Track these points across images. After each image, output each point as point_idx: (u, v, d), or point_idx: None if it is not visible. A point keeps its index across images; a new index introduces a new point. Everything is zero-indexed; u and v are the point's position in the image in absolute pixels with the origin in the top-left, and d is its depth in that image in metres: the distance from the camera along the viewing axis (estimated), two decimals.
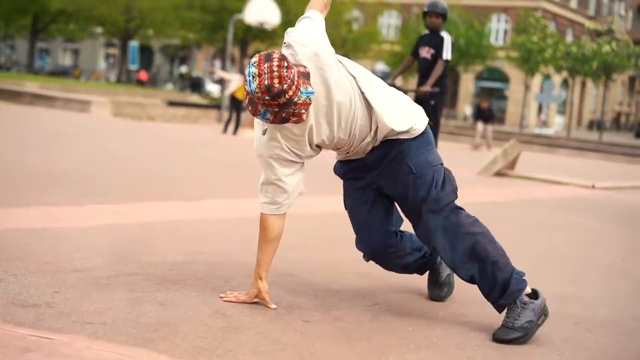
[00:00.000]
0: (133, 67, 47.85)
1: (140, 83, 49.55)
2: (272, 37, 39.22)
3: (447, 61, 8.19)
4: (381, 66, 51.97)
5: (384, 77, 53.89)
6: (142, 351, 2.71)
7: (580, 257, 5.68)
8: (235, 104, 17.85)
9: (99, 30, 49.30)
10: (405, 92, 7.77)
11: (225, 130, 18.00)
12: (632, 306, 4.22)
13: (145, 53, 58.24)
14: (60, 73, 58.20)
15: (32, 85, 25.66)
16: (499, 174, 11.89)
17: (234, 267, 4.13)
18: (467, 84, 55.10)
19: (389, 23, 56.57)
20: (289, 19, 35.26)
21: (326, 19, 3.44)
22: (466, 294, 3.89)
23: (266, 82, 2.97)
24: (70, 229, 4.75)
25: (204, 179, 8.47)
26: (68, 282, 3.49)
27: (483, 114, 23.48)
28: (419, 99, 8.04)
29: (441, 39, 8.19)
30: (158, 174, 8.38)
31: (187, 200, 6.61)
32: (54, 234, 4.58)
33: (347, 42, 43.07)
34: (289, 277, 4.03)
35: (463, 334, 3.32)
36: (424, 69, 8.30)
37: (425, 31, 8.54)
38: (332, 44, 3.28)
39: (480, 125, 22.80)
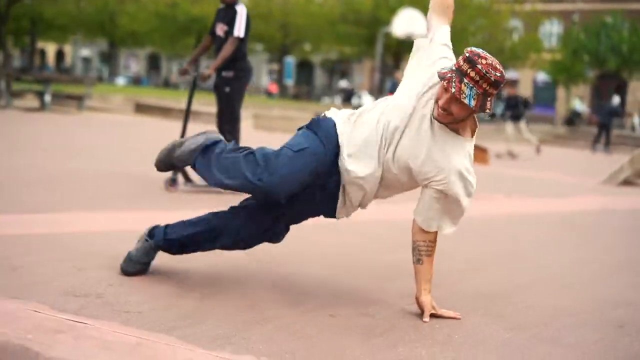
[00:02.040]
0: (289, 81, 49.11)
1: (269, 95, 50.21)
2: None
3: (240, 39, 6.98)
4: (542, 76, 50.71)
5: (546, 87, 52.29)
6: (162, 336, 2.96)
7: None
8: None
9: (259, 47, 50.98)
10: (195, 79, 7.01)
11: None
12: None
13: (306, 68, 59.55)
14: None
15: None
16: (627, 182, 11.47)
17: (299, 266, 4.33)
18: (636, 93, 52.65)
19: (550, 31, 55.05)
20: None
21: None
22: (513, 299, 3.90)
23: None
24: None
25: None
26: (128, 277, 3.78)
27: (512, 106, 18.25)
28: (215, 87, 7.18)
29: (234, 13, 7.01)
30: None
31: None
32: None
33: (504, 50, 42.37)
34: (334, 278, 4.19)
35: (486, 332, 3.37)
36: (220, 50, 7.05)
37: (222, 5, 7.24)
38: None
39: (509, 126, 18.18)
